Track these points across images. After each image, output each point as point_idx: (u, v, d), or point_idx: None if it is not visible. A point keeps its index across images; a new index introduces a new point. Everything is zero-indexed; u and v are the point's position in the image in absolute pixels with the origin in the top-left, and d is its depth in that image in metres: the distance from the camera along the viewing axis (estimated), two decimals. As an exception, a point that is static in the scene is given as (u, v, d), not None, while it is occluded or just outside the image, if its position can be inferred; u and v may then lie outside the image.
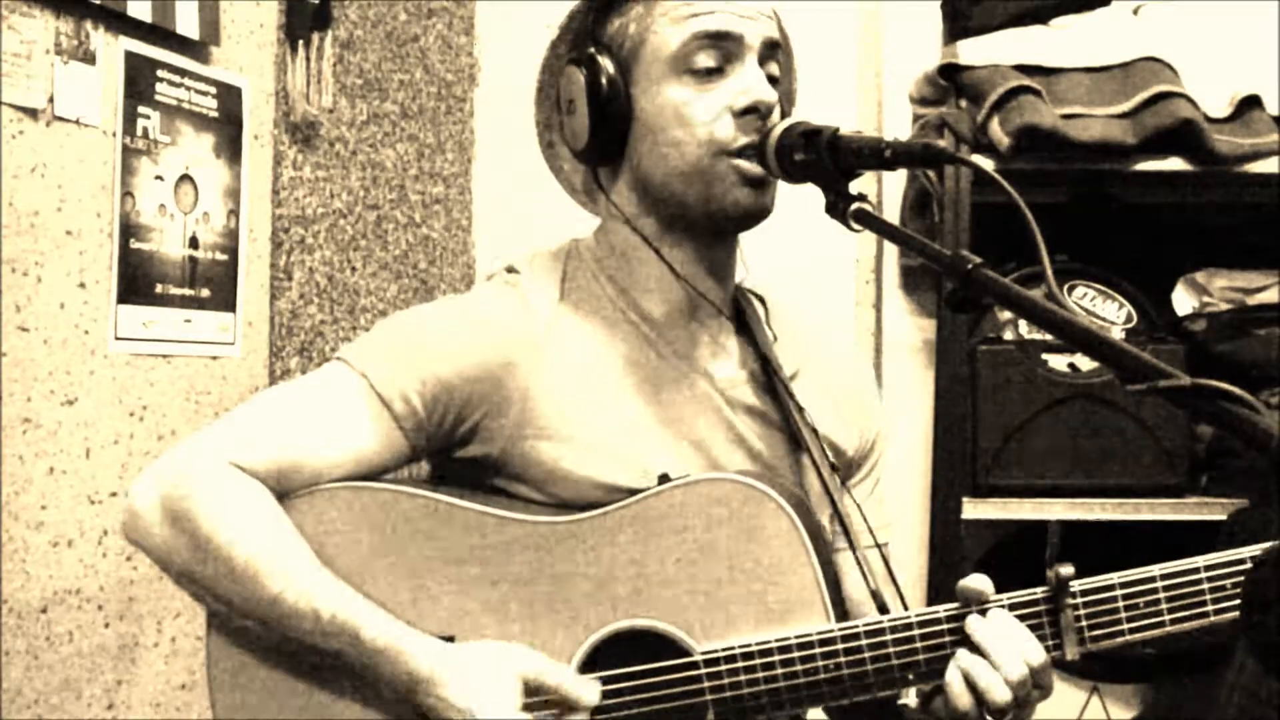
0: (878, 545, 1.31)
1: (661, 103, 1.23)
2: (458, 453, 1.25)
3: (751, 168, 1.21)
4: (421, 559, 1.18)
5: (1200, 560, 1.15)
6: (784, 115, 1.25)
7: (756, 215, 1.25)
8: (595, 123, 1.24)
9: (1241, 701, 1.93)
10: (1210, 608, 1.14)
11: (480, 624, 1.17)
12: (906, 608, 1.23)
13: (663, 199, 1.26)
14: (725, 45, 1.22)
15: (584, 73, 1.24)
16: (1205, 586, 1.14)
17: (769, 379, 1.31)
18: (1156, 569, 1.15)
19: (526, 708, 1.11)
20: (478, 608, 1.17)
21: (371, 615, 1.13)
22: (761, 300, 1.39)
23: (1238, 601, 1.13)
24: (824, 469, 1.28)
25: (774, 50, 1.26)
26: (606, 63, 1.24)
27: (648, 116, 1.24)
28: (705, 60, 1.22)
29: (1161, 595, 1.15)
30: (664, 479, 1.20)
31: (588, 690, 1.13)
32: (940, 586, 2.18)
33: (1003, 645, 1.12)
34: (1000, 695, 1.11)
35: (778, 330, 1.36)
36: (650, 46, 1.24)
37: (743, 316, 1.34)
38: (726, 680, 1.15)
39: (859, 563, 1.25)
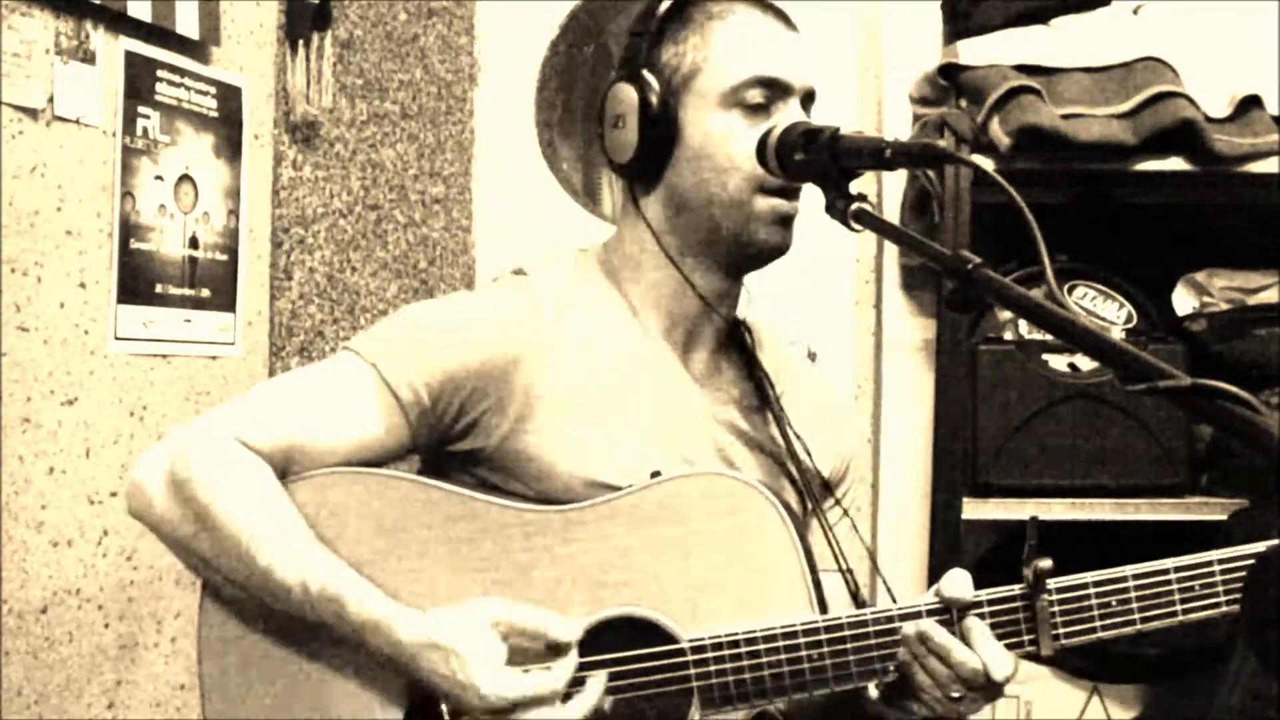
0: (847, 569, 1.33)
1: (709, 130, 1.28)
2: (453, 446, 1.27)
3: (784, 208, 1.27)
4: (416, 544, 1.20)
5: (1170, 562, 1.19)
6: None
7: (778, 252, 1.30)
8: (643, 140, 1.29)
9: (1242, 699, 1.93)
10: (1179, 608, 1.17)
11: None
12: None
13: (697, 223, 1.30)
14: (775, 87, 1.28)
15: (637, 91, 1.29)
16: (1175, 588, 1.17)
17: (760, 402, 1.36)
18: (1129, 569, 1.18)
19: (512, 659, 1.12)
20: (470, 593, 1.18)
21: (358, 588, 1.14)
22: (748, 328, 1.43)
23: (1205, 603, 1.17)
24: (806, 492, 1.33)
25: (811, 99, 1.31)
26: (659, 84, 1.29)
27: (694, 142, 1.28)
28: (755, 97, 1.27)
29: (1133, 595, 1.17)
30: (655, 475, 1.22)
31: (567, 628, 1.14)
32: (940, 586, 2.18)
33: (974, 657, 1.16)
34: (944, 675, 1.15)
35: (762, 356, 1.40)
36: (704, 77, 1.29)
37: (740, 340, 1.39)
38: (713, 668, 1.18)
39: (844, 575, 1.29)
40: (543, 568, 1.19)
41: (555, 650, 1.14)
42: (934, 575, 2.23)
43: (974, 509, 2.22)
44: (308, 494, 1.20)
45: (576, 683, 1.15)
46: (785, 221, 1.29)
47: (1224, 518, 2.20)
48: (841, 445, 1.44)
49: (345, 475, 1.21)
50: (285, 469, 1.21)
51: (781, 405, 1.36)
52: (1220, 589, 1.17)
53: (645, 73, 1.29)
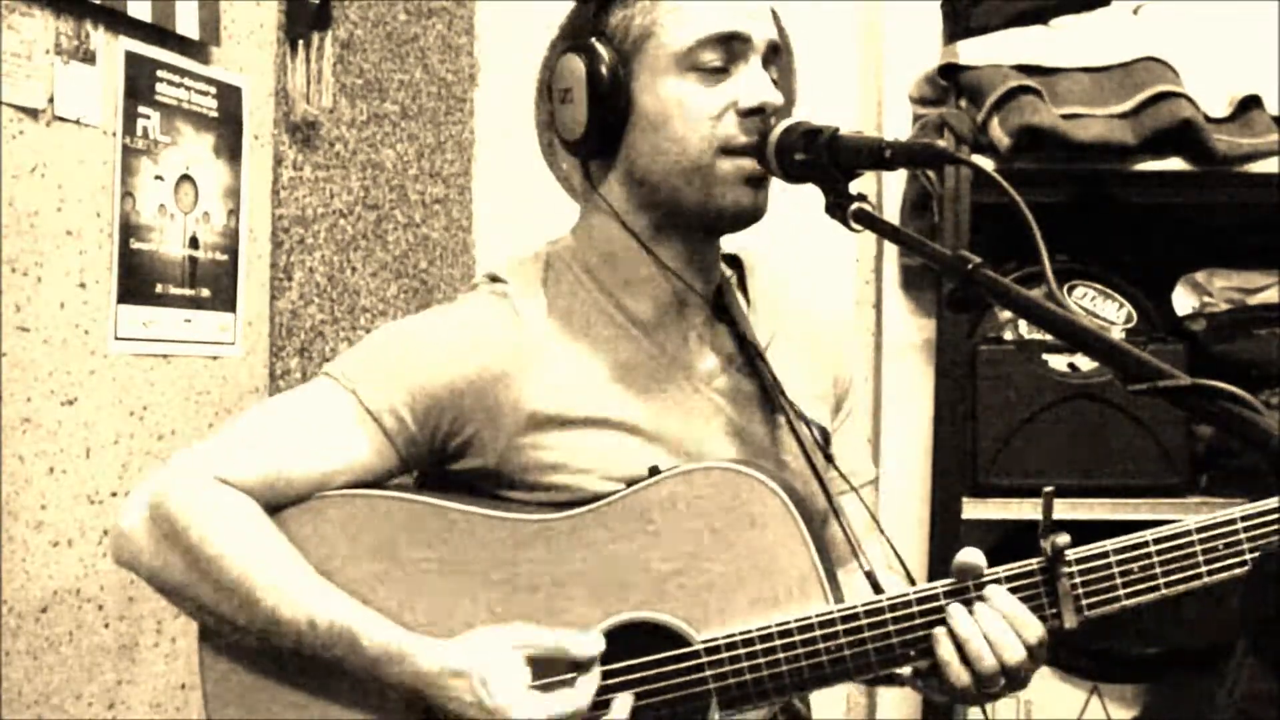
0: (855, 490, 1.31)
1: (664, 97, 1.22)
2: (453, 465, 1.24)
3: (752, 166, 1.21)
4: (415, 563, 1.18)
5: (1191, 522, 1.16)
6: (785, 117, 1.25)
7: (752, 215, 1.24)
8: (593, 113, 1.22)
9: (1242, 700, 1.93)
10: (1203, 569, 1.15)
11: (477, 625, 1.17)
12: (894, 549, 1.26)
13: (659, 197, 1.25)
14: (732, 45, 1.22)
15: (584, 61, 1.22)
16: (1198, 549, 1.15)
17: (747, 356, 1.31)
18: (1149, 534, 1.16)
19: (535, 680, 1.11)
20: (474, 609, 1.17)
21: (369, 621, 1.12)
22: (738, 263, 1.38)
23: (1230, 562, 1.15)
24: (805, 440, 1.27)
25: (776, 53, 1.26)
26: (607, 53, 1.22)
27: (648, 111, 1.23)
28: (712, 59, 1.21)
29: (1155, 559, 1.16)
30: (654, 471, 1.19)
31: (589, 644, 1.13)
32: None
33: (1002, 622, 1.14)
34: (989, 664, 1.12)
35: (753, 294, 1.36)
36: (655, 41, 1.22)
37: (723, 301, 1.33)
38: (729, 667, 1.15)
39: (844, 532, 1.25)
40: (545, 577, 1.17)
41: (576, 668, 1.13)
42: (934, 575, 2.22)
43: (974, 509, 2.22)
44: (299, 522, 1.18)
45: (603, 691, 1.14)
46: (754, 182, 1.22)
47: (1224, 517, 2.20)
48: (839, 365, 1.40)
49: (335, 499, 1.19)
50: (271, 505, 1.17)
51: (764, 348, 1.30)
52: (1245, 546, 1.14)
53: (593, 40, 1.22)
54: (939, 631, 1.14)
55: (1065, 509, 2.23)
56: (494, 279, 1.29)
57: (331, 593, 1.14)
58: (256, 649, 1.17)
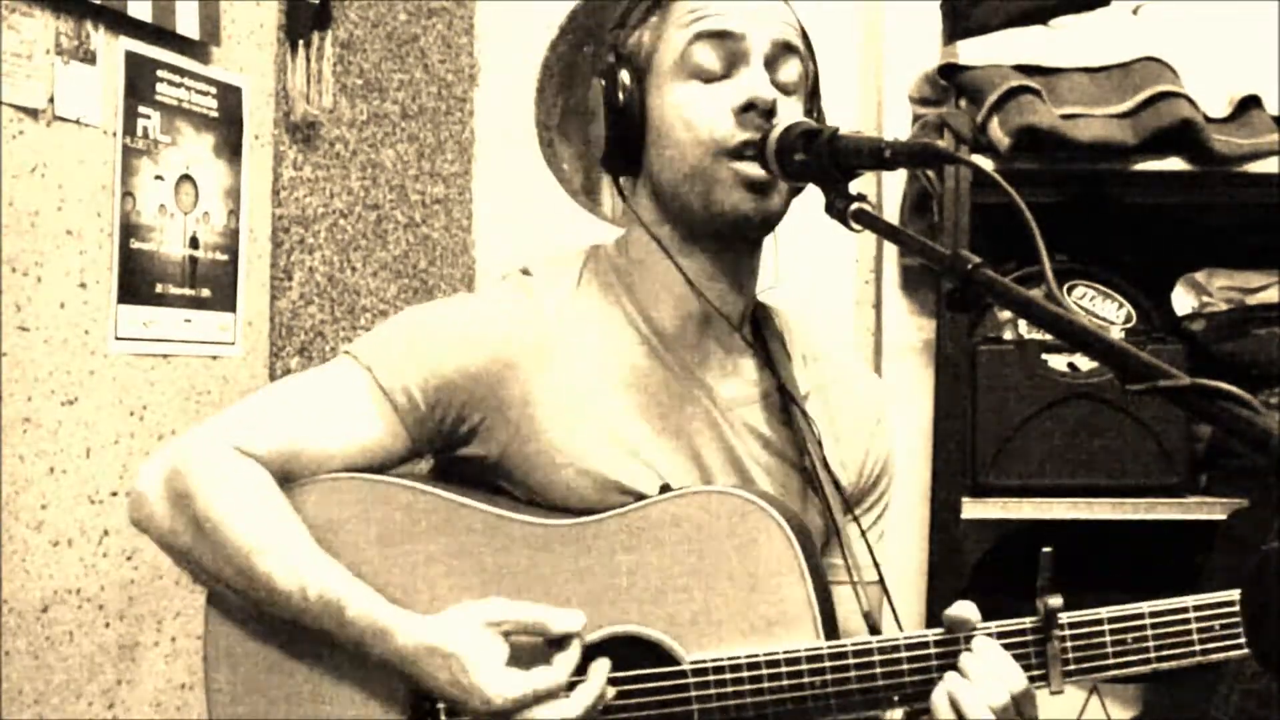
0: (881, 580, 1.30)
1: (669, 106, 1.24)
2: (459, 451, 1.25)
3: (752, 171, 1.20)
4: (419, 553, 1.19)
5: (1190, 600, 1.15)
6: (793, 115, 1.24)
7: (758, 221, 1.24)
8: (612, 131, 1.26)
9: (1242, 700, 1.93)
10: (1197, 648, 1.14)
11: None
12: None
13: (673, 205, 1.26)
14: (728, 45, 1.22)
15: (602, 84, 1.26)
16: (1193, 626, 1.14)
17: (784, 404, 1.30)
18: (1146, 606, 1.15)
19: (514, 658, 1.11)
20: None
21: (357, 594, 1.13)
22: (771, 314, 1.37)
23: (1225, 644, 1.14)
24: (833, 502, 1.27)
25: (788, 52, 1.25)
26: (624, 73, 1.25)
27: (658, 121, 1.25)
28: (709, 61, 1.22)
29: (1149, 633, 1.15)
30: (665, 489, 1.20)
31: (568, 619, 1.13)
32: (939, 586, 2.18)
33: (987, 671, 1.13)
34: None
35: (792, 350, 1.35)
36: (660, 53, 1.25)
37: (760, 335, 1.33)
38: (714, 691, 1.15)
39: (856, 594, 1.25)
40: (544, 582, 1.17)
41: (557, 644, 1.13)
42: (934, 576, 2.23)
43: (974, 509, 2.22)
44: (312, 499, 1.19)
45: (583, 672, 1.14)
46: (755, 187, 1.21)
47: (1223, 517, 2.20)
48: (872, 446, 1.37)
49: (350, 481, 1.20)
50: (284, 475, 1.19)
51: (802, 403, 1.29)
52: (1240, 628, 1.13)
53: (612, 62, 1.27)
54: (937, 697, 1.14)
55: (1065, 509, 2.24)
56: (524, 272, 1.31)
57: (327, 564, 1.14)
58: (259, 616, 1.18)
